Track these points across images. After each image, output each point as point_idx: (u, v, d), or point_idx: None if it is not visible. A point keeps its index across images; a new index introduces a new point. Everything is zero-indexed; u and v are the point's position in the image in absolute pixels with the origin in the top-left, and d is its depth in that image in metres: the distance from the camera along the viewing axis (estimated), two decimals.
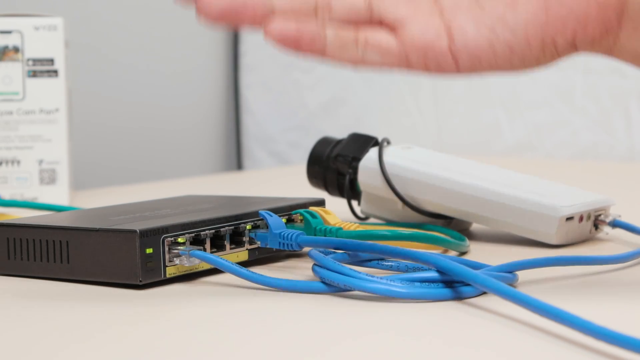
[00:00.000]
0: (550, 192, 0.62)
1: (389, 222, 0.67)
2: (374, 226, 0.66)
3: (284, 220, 0.55)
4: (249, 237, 0.54)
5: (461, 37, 0.45)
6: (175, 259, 0.51)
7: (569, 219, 0.60)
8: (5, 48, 0.82)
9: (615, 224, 0.62)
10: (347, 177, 0.68)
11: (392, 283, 0.46)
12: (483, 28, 0.45)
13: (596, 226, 0.63)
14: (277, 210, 0.56)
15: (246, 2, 0.43)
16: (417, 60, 0.45)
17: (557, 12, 0.45)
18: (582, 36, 0.45)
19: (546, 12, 0.45)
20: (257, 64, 1.38)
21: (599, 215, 0.63)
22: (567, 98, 1.23)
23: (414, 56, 0.45)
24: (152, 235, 0.50)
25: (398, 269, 0.51)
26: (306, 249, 0.53)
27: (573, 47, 0.46)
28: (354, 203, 0.69)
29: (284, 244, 0.53)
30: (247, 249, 0.54)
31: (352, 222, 0.57)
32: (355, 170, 0.68)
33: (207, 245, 0.52)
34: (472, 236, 0.65)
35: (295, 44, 0.44)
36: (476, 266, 0.50)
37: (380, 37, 0.45)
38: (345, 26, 0.45)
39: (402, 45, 0.45)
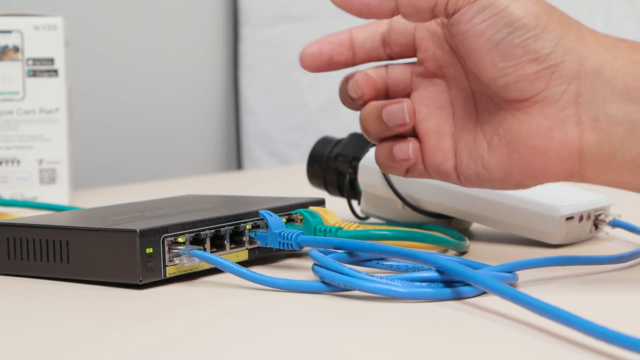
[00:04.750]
0: (550, 192, 0.62)
1: (389, 222, 0.67)
2: (374, 226, 0.66)
3: (284, 220, 0.55)
4: (249, 237, 0.54)
5: (459, 164, 0.52)
6: (175, 258, 0.50)
7: (569, 218, 0.60)
8: (5, 48, 0.82)
9: (615, 224, 0.62)
10: (347, 177, 0.68)
11: (392, 283, 0.46)
12: (471, 162, 0.52)
13: (596, 226, 0.63)
14: (277, 210, 0.56)
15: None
16: (432, 174, 0.54)
17: (517, 163, 0.50)
18: (545, 180, 0.50)
19: (509, 161, 0.50)
20: (257, 64, 1.38)
21: (599, 215, 0.62)
22: None
23: (430, 171, 0.53)
24: (152, 235, 0.50)
25: (398, 269, 0.51)
26: (306, 249, 0.53)
27: (543, 183, 0.51)
28: (354, 203, 0.69)
29: (284, 243, 0.53)
30: (247, 249, 0.54)
31: (352, 222, 0.57)
32: (355, 170, 0.68)
33: (207, 245, 0.52)
34: (472, 236, 0.65)
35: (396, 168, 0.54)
36: (476, 266, 0.50)
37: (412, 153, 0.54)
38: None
39: (423, 164, 0.54)
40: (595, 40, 0.49)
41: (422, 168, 0.53)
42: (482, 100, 0.52)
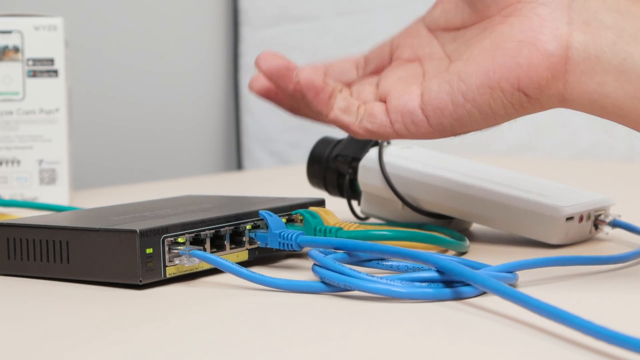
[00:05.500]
0: (551, 192, 0.62)
1: (389, 222, 0.67)
2: (374, 226, 0.66)
3: (284, 220, 0.55)
4: (249, 237, 0.54)
5: (427, 95, 0.52)
6: (175, 259, 0.51)
7: (569, 219, 0.60)
8: (5, 48, 0.82)
9: (615, 224, 0.62)
10: (347, 177, 0.68)
11: (392, 283, 0.46)
12: (443, 84, 0.52)
13: (596, 226, 0.63)
14: (277, 210, 0.56)
15: (289, 66, 0.53)
16: (397, 121, 0.53)
17: (501, 59, 0.50)
18: (527, 81, 0.50)
19: (492, 60, 0.50)
20: None
21: (599, 215, 0.62)
22: None
23: (395, 118, 0.53)
24: (152, 235, 0.50)
25: (398, 269, 0.51)
26: (306, 249, 0.53)
27: (522, 93, 0.50)
28: (354, 203, 0.69)
29: (284, 244, 0.53)
30: (247, 249, 0.54)
31: (352, 222, 0.57)
32: (355, 170, 0.68)
33: (207, 245, 0.52)
34: (472, 236, 0.65)
35: (315, 93, 0.53)
36: (476, 266, 0.50)
37: (374, 106, 0.54)
38: (353, 99, 0.55)
39: (387, 113, 0.53)
40: None
41: (387, 120, 0.53)
42: (458, 50, 0.53)
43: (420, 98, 0.52)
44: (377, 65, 0.57)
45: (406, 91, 0.53)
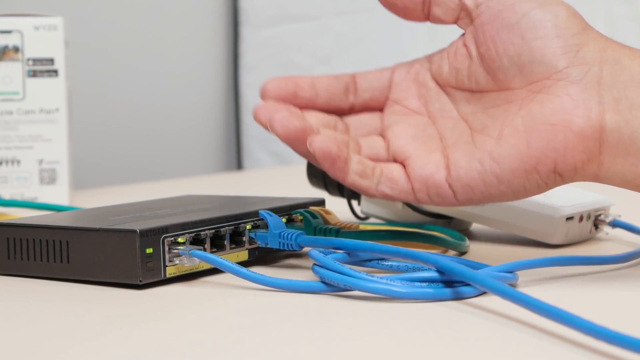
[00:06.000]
0: (550, 192, 0.62)
1: (389, 222, 0.67)
2: (374, 226, 0.66)
3: (284, 220, 0.55)
4: (249, 237, 0.54)
5: (455, 171, 0.50)
6: (175, 258, 0.51)
7: (569, 219, 0.60)
8: (5, 48, 0.82)
9: (615, 224, 0.62)
10: None
11: (392, 283, 0.46)
12: (474, 161, 0.50)
13: (596, 226, 0.63)
14: (277, 210, 0.56)
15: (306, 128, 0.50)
16: (421, 191, 0.51)
17: (537, 144, 0.49)
18: (563, 165, 0.49)
19: (527, 144, 0.49)
20: (257, 64, 1.38)
21: (599, 215, 0.62)
22: None
23: (418, 187, 0.50)
24: (152, 235, 0.50)
25: (398, 269, 0.51)
26: (306, 249, 0.53)
27: (557, 175, 0.49)
28: (354, 203, 0.69)
29: (284, 243, 0.53)
30: (247, 249, 0.54)
31: (352, 222, 0.57)
32: None
33: (207, 245, 0.52)
34: (472, 236, 0.65)
35: (332, 162, 0.50)
36: (476, 266, 0.50)
37: (393, 170, 0.51)
38: (367, 160, 0.52)
39: (408, 179, 0.51)
40: (609, 39, 0.50)
41: (409, 187, 0.51)
42: (478, 119, 0.51)
43: (446, 171, 0.50)
44: (372, 97, 0.54)
45: (429, 160, 0.51)
